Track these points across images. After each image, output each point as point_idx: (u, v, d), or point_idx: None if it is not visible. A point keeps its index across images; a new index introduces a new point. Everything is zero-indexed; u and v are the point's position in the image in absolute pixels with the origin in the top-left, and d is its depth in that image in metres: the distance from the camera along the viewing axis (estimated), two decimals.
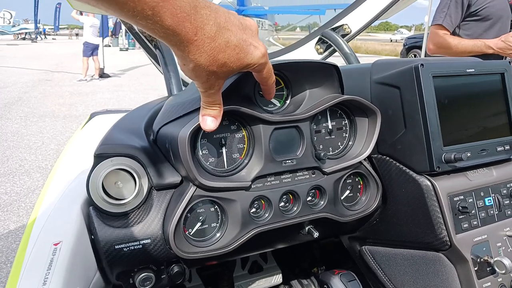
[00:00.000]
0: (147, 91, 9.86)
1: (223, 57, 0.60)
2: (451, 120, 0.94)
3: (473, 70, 0.97)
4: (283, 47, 2.17)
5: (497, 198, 1.00)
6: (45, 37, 36.04)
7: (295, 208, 0.93)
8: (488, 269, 0.94)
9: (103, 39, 15.14)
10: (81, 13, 10.87)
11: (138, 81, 11.98)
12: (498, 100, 1.02)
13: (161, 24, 0.52)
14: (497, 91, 1.02)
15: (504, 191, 1.01)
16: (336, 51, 1.83)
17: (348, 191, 1.02)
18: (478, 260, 0.94)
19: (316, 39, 1.91)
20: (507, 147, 1.01)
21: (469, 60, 1.04)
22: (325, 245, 1.56)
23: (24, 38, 35.78)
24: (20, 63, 16.00)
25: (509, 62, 1.05)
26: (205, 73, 0.61)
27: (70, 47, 14.73)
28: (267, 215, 0.90)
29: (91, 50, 11.20)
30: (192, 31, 0.54)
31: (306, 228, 0.98)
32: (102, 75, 12.77)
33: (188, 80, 1.69)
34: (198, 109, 0.73)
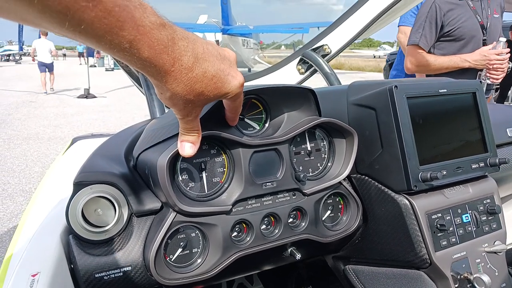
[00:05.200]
0: (133, 111, 9.84)
1: (200, 87, 0.61)
2: (426, 140, 0.96)
3: (446, 90, 1.00)
4: (268, 65, 2.21)
5: (474, 214, 1.02)
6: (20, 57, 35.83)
7: (277, 231, 0.93)
8: (468, 285, 0.96)
9: (87, 59, 15.26)
10: (44, 35, 13.67)
11: (123, 101, 11.96)
12: (471, 119, 1.05)
13: (138, 56, 0.52)
14: (469, 110, 1.05)
15: (481, 208, 1.03)
16: (317, 71, 1.86)
17: (329, 212, 1.03)
18: (458, 277, 0.95)
19: (298, 59, 1.95)
20: (482, 164, 1.04)
21: (442, 80, 1.07)
22: (312, 264, 1.56)
23: (8, 60, 35.54)
24: (3, 84, 15.86)
25: (480, 81, 1.09)
26: (182, 101, 0.62)
27: (55, 68, 14.82)
28: (248, 238, 0.90)
29: (43, 67, 13.69)
30: (169, 62, 0.55)
31: (289, 250, 0.99)
32: (88, 95, 12.75)
33: None
34: (177, 135, 0.74)
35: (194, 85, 0.60)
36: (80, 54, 36.26)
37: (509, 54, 2.42)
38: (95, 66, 28.40)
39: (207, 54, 0.61)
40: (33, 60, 15.94)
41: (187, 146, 0.71)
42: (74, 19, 0.44)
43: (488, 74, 2.43)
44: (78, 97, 12.72)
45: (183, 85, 0.59)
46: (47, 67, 13.72)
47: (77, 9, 0.43)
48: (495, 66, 2.39)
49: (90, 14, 0.44)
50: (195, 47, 0.59)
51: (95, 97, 12.89)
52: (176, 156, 0.78)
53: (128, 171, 0.90)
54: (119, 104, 11.62)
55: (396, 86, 0.93)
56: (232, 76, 0.65)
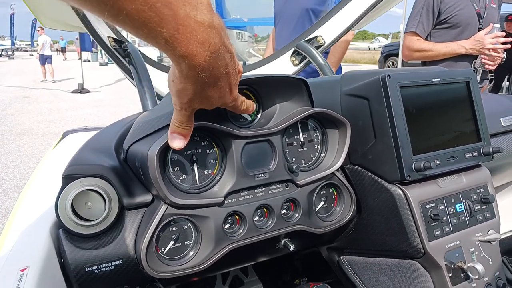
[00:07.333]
0: (128, 106, 9.78)
1: (209, 93, 0.62)
2: (420, 129, 0.96)
3: (439, 79, 0.99)
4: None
5: (468, 204, 1.01)
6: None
7: (270, 222, 0.93)
8: (462, 275, 0.96)
9: (81, 53, 15.26)
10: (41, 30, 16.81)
11: (118, 96, 11.89)
12: (464, 108, 1.04)
13: (172, 52, 0.52)
14: (463, 99, 1.04)
15: (475, 197, 1.03)
16: (311, 62, 1.85)
17: (322, 202, 1.02)
18: (452, 266, 0.95)
19: (291, 51, 1.93)
20: (475, 153, 1.03)
21: (435, 69, 1.07)
22: (307, 256, 1.56)
23: (0, 55, 35.25)
24: None
25: (474, 70, 1.08)
26: (187, 98, 0.62)
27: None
28: (241, 230, 0.89)
29: (44, 59, 16.22)
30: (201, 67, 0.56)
31: (282, 242, 0.98)
32: (82, 90, 12.67)
33: (162, 93, 1.68)
34: (167, 126, 0.73)
35: (207, 89, 0.61)
36: (63, 49, 35.44)
37: (504, 39, 2.42)
38: (89, 61, 28.16)
39: (231, 68, 0.61)
40: (38, 53, 17.40)
41: (177, 139, 0.71)
42: (113, 9, 0.44)
43: (483, 61, 2.44)
44: (72, 92, 12.64)
45: (198, 85, 0.59)
46: (46, 59, 16.20)
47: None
48: (489, 51, 2.39)
49: (130, 6, 0.44)
50: (230, 62, 0.60)
51: (89, 91, 12.81)
52: (167, 148, 0.77)
53: (118, 164, 0.89)
54: (113, 98, 11.56)
55: (389, 76, 0.92)
56: (230, 90, 0.67)
